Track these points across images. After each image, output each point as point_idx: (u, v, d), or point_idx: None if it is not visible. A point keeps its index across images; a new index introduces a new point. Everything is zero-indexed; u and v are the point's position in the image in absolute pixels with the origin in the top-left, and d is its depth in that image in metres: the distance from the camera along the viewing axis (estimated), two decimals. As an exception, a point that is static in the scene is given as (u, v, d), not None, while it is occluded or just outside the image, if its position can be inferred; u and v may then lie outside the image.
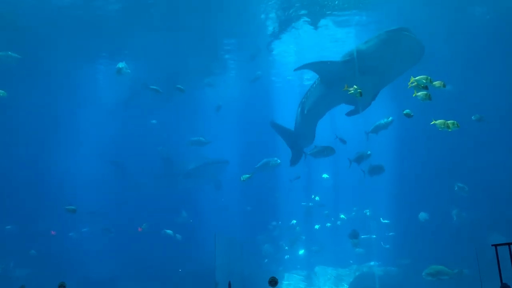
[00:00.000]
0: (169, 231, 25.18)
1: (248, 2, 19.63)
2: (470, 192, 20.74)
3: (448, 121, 10.85)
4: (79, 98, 26.13)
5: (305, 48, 23.57)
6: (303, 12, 20.42)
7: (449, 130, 10.78)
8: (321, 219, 28.40)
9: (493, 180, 21.24)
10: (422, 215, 21.67)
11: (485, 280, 11.35)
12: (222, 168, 29.30)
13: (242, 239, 22.28)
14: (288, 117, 21.26)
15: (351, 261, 25.24)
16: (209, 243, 17.30)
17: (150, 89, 19.91)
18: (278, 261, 27.61)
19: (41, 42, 21.05)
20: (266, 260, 26.88)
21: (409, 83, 10.90)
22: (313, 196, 28.52)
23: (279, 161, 20.89)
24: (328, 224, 28.53)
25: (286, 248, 28.46)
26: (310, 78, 24.13)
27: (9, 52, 20.05)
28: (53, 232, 27.39)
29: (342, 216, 26.91)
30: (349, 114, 17.90)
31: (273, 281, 8.89)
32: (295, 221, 27.76)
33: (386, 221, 26.48)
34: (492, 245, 9.08)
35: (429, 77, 10.65)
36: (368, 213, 25.96)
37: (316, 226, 28.92)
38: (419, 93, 10.87)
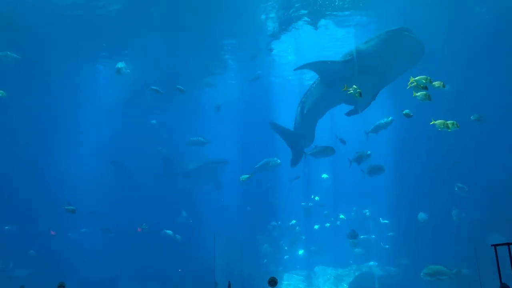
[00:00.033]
0: (169, 231, 25.18)
1: (248, 2, 19.63)
2: (470, 192, 20.70)
3: (448, 121, 10.84)
4: (79, 98, 26.14)
5: (305, 48, 23.58)
6: (303, 12, 20.42)
7: (449, 130, 10.78)
8: (321, 219, 28.43)
9: (493, 180, 21.21)
10: (421, 216, 21.63)
11: (485, 280, 11.38)
12: (222, 168, 29.31)
13: (242, 239, 22.24)
14: (287, 117, 21.25)
15: (351, 261, 25.23)
16: (209, 243, 17.23)
17: (151, 90, 19.91)
18: (277, 261, 27.64)
19: (41, 42, 21.04)
20: (265, 260, 26.90)
21: (408, 83, 10.91)
22: (312, 196, 28.49)
23: (279, 161, 20.87)
24: (328, 224, 28.57)
25: (286, 248, 28.48)
26: (310, 78, 24.14)
27: (8, 52, 20.03)
28: (52, 232, 27.40)
29: (341, 216, 26.92)
30: (349, 114, 17.85)
31: (273, 281, 8.88)
32: (294, 221, 27.68)
33: (385, 221, 26.51)
34: (492, 245, 9.08)
35: (428, 77, 10.66)
36: (367, 213, 25.99)
37: (316, 226, 28.96)
38: (418, 93, 10.87)
